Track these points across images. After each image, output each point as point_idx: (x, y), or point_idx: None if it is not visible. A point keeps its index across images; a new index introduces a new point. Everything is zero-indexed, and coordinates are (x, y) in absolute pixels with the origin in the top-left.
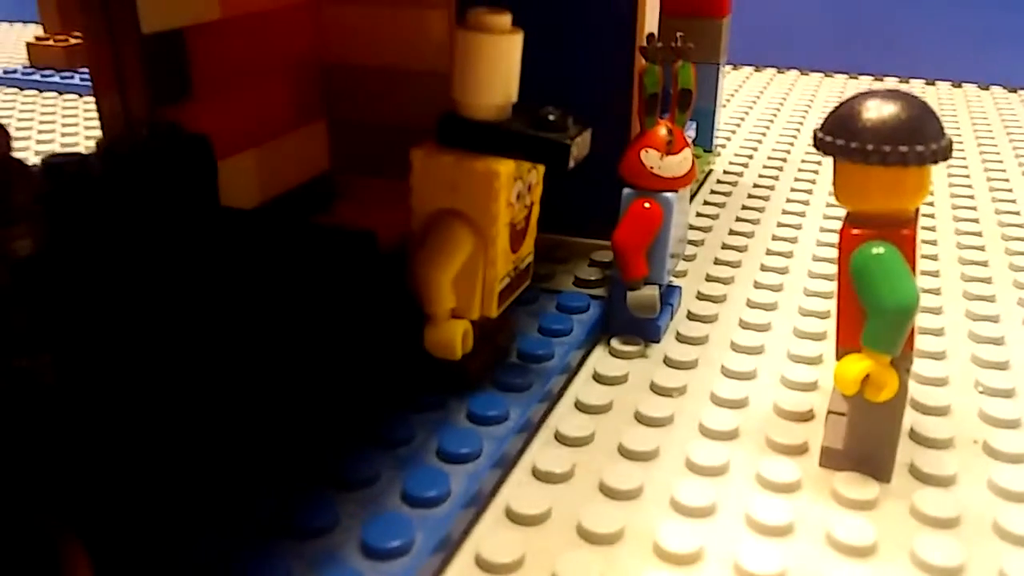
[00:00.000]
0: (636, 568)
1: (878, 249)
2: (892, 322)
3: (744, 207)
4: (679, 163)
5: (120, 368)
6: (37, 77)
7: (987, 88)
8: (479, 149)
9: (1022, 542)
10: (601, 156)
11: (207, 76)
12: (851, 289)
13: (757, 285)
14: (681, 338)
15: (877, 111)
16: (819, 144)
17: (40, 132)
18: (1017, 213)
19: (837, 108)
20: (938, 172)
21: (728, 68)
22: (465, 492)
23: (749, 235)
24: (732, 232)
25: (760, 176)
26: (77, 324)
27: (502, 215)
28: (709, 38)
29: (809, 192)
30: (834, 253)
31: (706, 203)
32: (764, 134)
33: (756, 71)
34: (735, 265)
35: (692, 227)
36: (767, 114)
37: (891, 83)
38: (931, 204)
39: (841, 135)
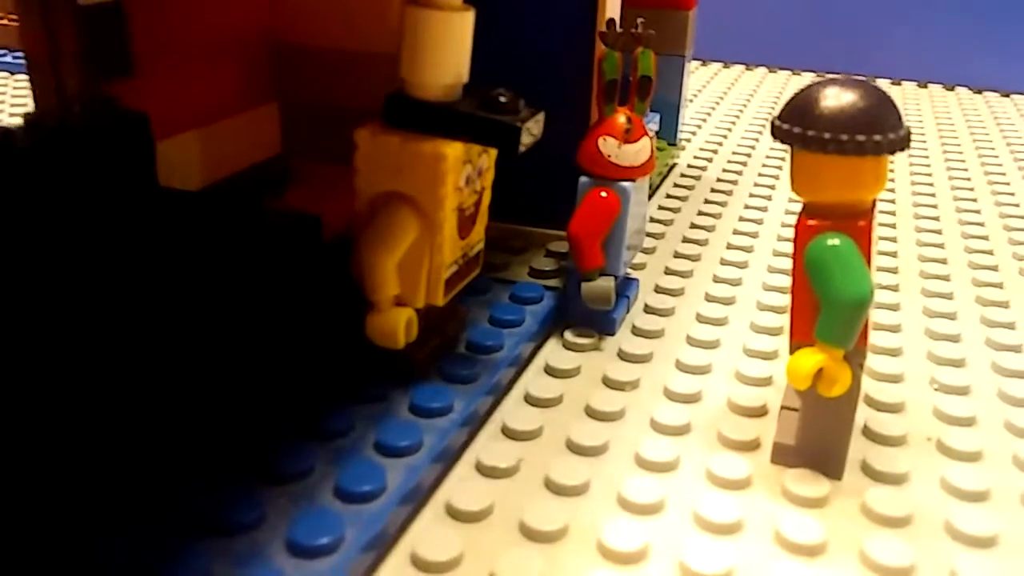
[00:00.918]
0: (579, 567)
1: (833, 241)
2: (846, 315)
3: (707, 201)
4: (637, 152)
5: (37, 355)
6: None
7: (952, 89)
8: (426, 130)
9: (974, 542)
10: (560, 143)
11: (150, 52)
12: (806, 282)
13: (716, 279)
14: (637, 331)
15: (835, 99)
16: (776, 132)
17: None
18: (978, 211)
19: (795, 96)
20: (901, 170)
21: (696, 64)
22: (402, 487)
23: (710, 229)
24: (693, 226)
25: (724, 171)
26: None
27: (449, 199)
28: (675, 30)
29: (772, 188)
30: None
31: (668, 196)
32: (730, 129)
33: (725, 67)
34: (694, 259)
35: (653, 220)
36: (734, 110)
37: None
38: (892, 202)
39: (798, 123)
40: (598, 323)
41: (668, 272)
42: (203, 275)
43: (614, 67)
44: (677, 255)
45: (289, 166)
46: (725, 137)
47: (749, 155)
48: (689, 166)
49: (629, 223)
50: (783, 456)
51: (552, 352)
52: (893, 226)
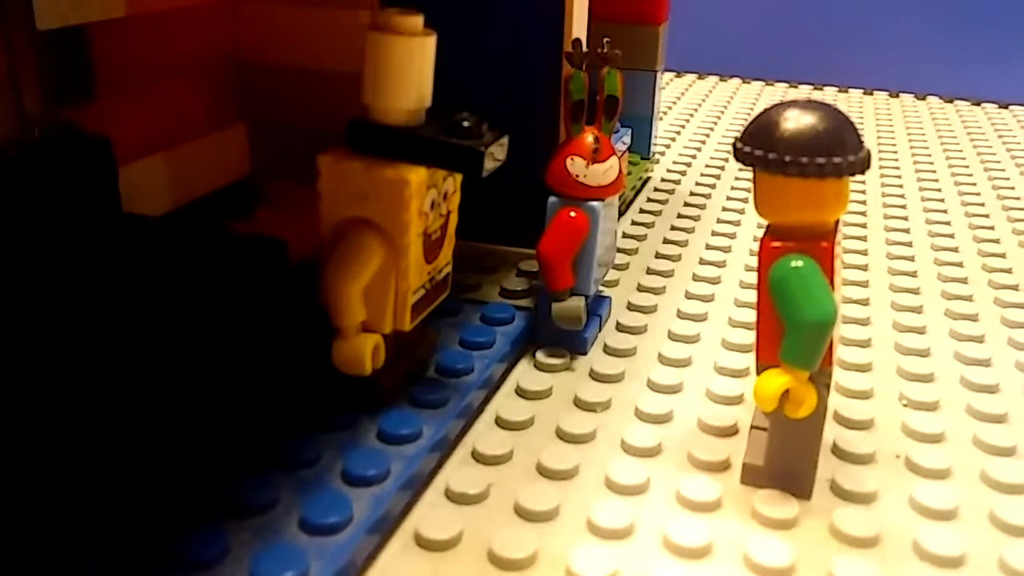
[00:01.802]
0: None
1: (796, 262)
2: (809, 337)
3: (680, 215)
4: (605, 172)
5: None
6: None
7: (923, 98)
8: (389, 155)
9: (941, 562)
10: (529, 163)
11: (112, 76)
12: (771, 303)
13: (688, 295)
14: (609, 350)
15: (795, 122)
16: (738, 155)
17: None
18: (948, 223)
19: (756, 118)
20: (872, 183)
21: (670, 75)
22: (369, 517)
23: (683, 244)
24: (666, 241)
25: (697, 184)
26: None
27: (414, 225)
28: (646, 45)
29: (745, 201)
30: None
31: (642, 211)
32: (703, 142)
33: (699, 79)
34: (667, 275)
35: (626, 235)
36: (707, 122)
37: (830, 92)
38: (863, 214)
39: (760, 146)
40: (570, 343)
41: (641, 289)
42: (166, 302)
43: (580, 87)
44: (650, 271)
45: (258, 187)
46: (699, 149)
47: (723, 167)
48: (663, 180)
49: (599, 241)
50: (752, 477)
51: (524, 373)
52: (864, 239)
